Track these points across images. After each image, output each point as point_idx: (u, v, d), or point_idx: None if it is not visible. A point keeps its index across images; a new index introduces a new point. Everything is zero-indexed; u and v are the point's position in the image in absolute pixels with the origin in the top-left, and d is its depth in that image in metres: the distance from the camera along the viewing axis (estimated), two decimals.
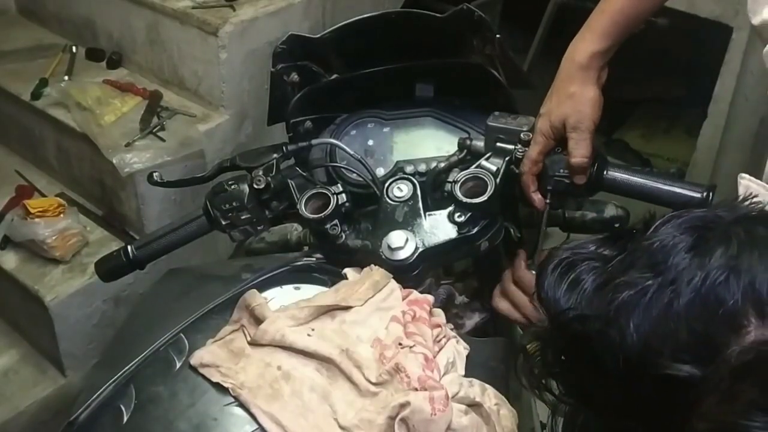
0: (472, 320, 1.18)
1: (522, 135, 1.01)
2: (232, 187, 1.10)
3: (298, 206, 1.04)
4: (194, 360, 0.89)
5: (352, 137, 1.28)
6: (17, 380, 1.88)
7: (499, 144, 1.03)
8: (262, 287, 0.98)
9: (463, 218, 1.00)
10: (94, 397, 0.89)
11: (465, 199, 0.99)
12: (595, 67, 1.01)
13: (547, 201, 1.02)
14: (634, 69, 3.22)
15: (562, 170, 1.00)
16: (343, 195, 1.03)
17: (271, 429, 0.82)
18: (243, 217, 1.10)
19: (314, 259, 1.08)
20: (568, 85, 1.01)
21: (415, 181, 1.05)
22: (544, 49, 2.78)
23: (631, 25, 1.02)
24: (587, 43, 1.01)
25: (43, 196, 2.01)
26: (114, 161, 1.78)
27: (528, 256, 1.30)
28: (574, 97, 1.00)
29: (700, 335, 0.51)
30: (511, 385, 1.04)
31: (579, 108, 1.00)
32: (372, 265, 0.99)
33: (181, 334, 0.93)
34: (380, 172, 1.23)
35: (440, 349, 0.92)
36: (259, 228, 1.12)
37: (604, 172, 0.99)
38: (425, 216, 1.02)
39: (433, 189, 1.10)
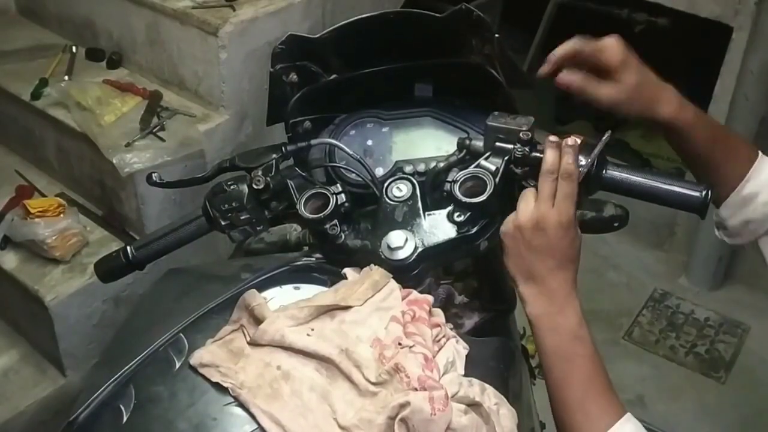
0: (471, 320, 1.18)
1: (521, 134, 1.01)
2: (232, 187, 1.10)
3: (298, 206, 1.04)
4: (194, 360, 0.89)
5: (351, 137, 1.28)
6: (17, 380, 1.89)
7: (498, 143, 1.03)
8: (262, 287, 0.98)
9: (462, 218, 1.00)
10: (94, 396, 0.90)
11: (464, 199, 0.99)
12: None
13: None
14: None
15: None
16: (343, 195, 1.03)
17: (270, 429, 0.82)
18: (242, 218, 1.10)
19: (314, 259, 1.08)
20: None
21: (415, 181, 1.05)
22: (544, 49, 2.78)
23: None
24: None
25: (43, 196, 2.02)
26: (114, 161, 1.78)
27: None
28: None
29: None
30: (511, 384, 1.04)
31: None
32: (371, 265, 0.99)
33: (181, 334, 0.94)
34: (379, 172, 1.23)
35: (440, 349, 0.92)
36: (258, 228, 1.12)
37: (603, 171, 0.99)
38: (425, 216, 1.02)
39: (433, 189, 1.10)
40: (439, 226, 1.01)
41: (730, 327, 2.58)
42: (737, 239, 1.12)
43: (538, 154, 0.98)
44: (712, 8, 2.36)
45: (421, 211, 1.03)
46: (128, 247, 1.18)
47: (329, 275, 1.02)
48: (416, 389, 0.83)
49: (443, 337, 0.94)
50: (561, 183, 0.92)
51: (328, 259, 1.06)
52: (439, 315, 0.97)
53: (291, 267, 1.05)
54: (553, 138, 0.95)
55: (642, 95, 1.04)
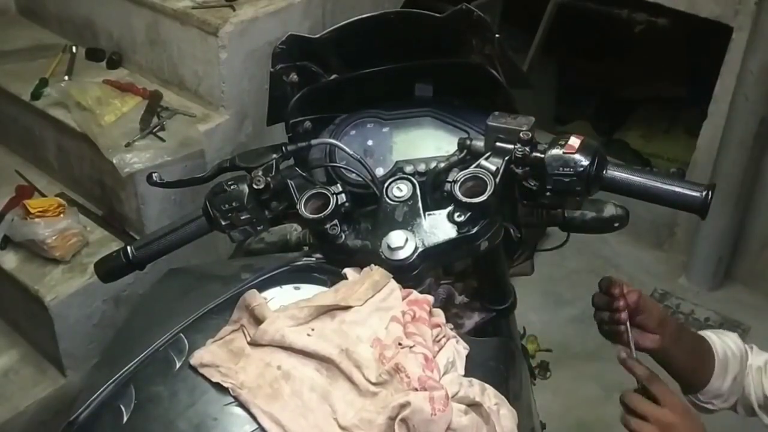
0: (471, 320, 1.18)
1: (521, 134, 1.01)
2: (232, 187, 1.10)
3: (298, 206, 1.04)
4: (194, 360, 0.89)
5: (352, 137, 1.28)
6: (17, 380, 1.89)
7: (498, 144, 1.03)
8: (262, 287, 0.98)
9: (462, 218, 1.00)
10: (94, 396, 0.89)
11: (464, 199, 0.99)
12: None
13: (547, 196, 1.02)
14: (634, 69, 3.23)
15: (561, 168, 0.99)
16: (343, 195, 1.03)
17: (270, 429, 0.82)
18: (243, 218, 1.10)
19: (314, 259, 1.08)
20: None
21: (415, 181, 1.05)
22: (544, 49, 2.78)
23: None
24: None
25: (43, 196, 2.02)
26: (114, 161, 1.78)
27: (527, 257, 1.30)
28: None
29: None
30: (511, 384, 1.04)
31: None
32: (372, 265, 0.99)
33: (181, 334, 0.94)
34: (380, 172, 1.23)
35: (440, 349, 0.92)
36: (258, 228, 1.12)
37: (604, 171, 0.99)
38: (425, 216, 1.02)
39: (433, 189, 1.10)
40: (439, 226, 1.01)
41: (730, 327, 2.58)
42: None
43: (538, 154, 0.98)
44: (712, 8, 2.36)
45: (421, 211, 1.03)
46: (128, 247, 1.18)
47: (329, 275, 1.02)
48: (416, 389, 0.83)
49: (443, 337, 0.93)
50: (653, 384, 1.08)
51: (328, 259, 1.06)
52: (440, 315, 0.97)
53: (291, 267, 1.05)
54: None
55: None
